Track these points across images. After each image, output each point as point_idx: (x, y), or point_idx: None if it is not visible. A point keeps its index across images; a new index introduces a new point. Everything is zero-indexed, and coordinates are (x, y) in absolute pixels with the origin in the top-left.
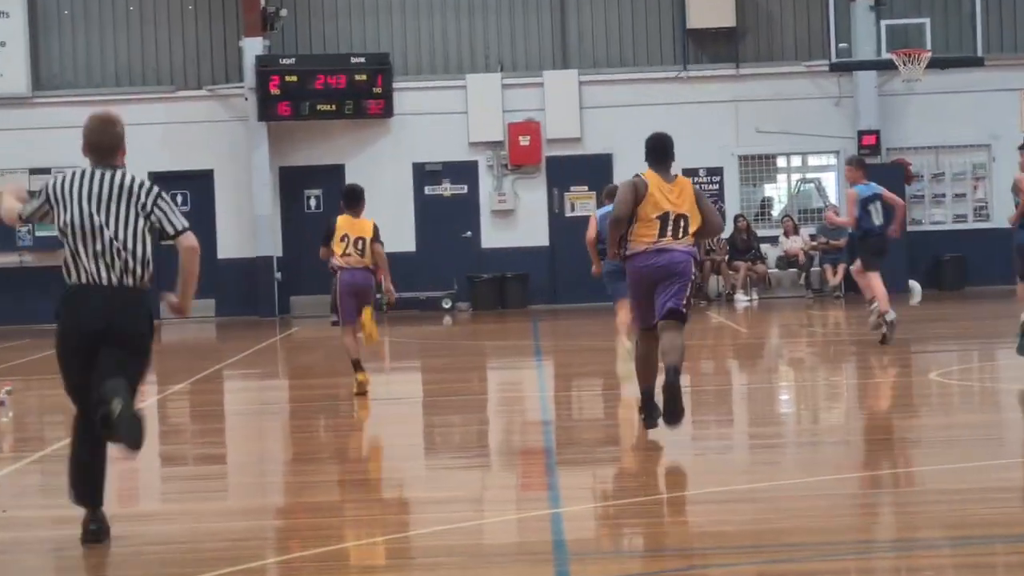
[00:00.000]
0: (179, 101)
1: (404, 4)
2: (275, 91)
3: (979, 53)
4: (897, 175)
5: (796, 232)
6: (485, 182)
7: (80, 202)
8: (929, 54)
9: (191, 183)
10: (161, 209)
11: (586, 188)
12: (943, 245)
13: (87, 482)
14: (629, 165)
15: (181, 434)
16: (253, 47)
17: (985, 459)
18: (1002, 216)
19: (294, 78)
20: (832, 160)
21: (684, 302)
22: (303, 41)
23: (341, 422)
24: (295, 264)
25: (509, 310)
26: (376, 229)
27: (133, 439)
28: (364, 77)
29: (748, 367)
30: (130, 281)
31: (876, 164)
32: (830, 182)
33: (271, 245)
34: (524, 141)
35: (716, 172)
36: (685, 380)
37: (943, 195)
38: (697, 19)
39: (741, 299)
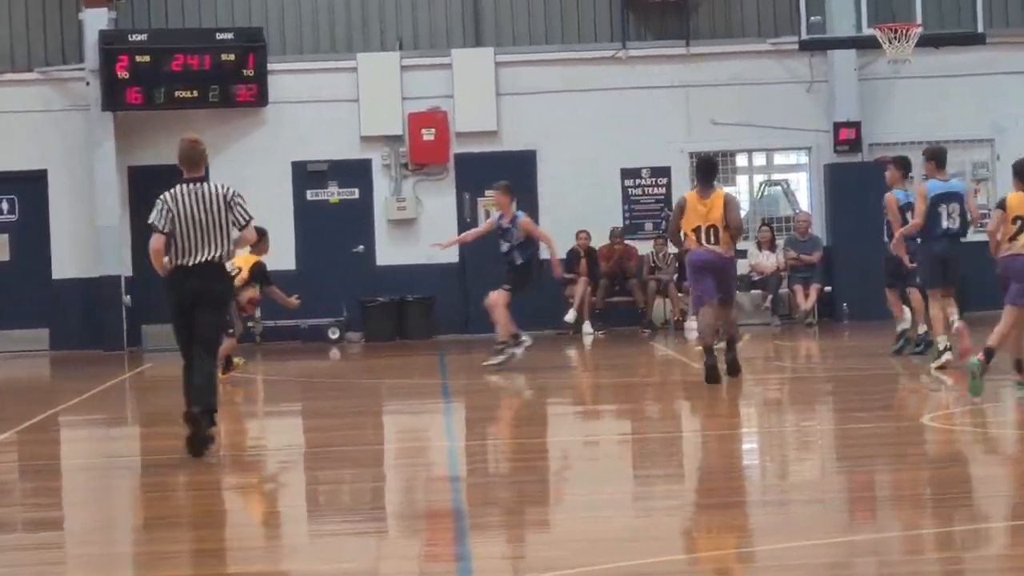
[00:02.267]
0: (4, 86)
1: None
2: (123, 74)
3: (980, 29)
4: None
5: (772, 246)
6: (380, 185)
7: None
8: (920, 29)
9: (19, 186)
10: None
11: None
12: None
13: None
14: (556, 164)
15: (7, 494)
16: (96, 20)
17: (993, 520)
18: None
19: (146, 58)
20: (803, 158)
21: None
22: (157, 13)
23: (205, 479)
24: (148, 286)
25: (410, 341)
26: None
27: None
28: (232, 57)
29: (702, 410)
30: None
31: (855, 163)
32: (801, 184)
33: (118, 263)
34: (428, 135)
35: (662, 173)
36: (627, 427)
37: None
38: None
39: (692, 327)
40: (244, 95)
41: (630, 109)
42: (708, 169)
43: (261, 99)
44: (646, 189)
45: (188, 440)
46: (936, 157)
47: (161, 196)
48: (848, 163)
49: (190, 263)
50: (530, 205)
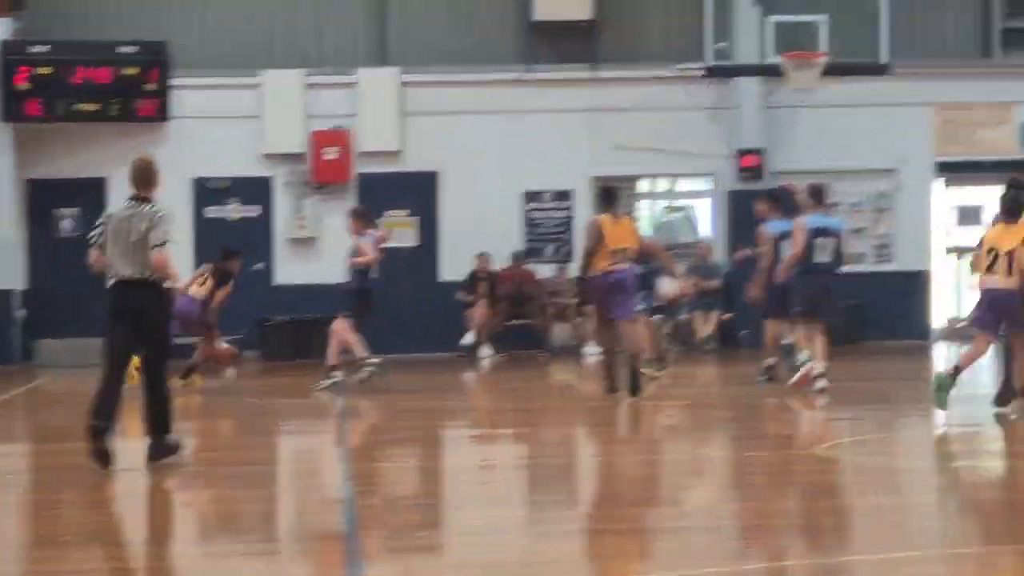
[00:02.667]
0: None
1: None
2: (23, 85)
3: (884, 59)
4: (785, 204)
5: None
6: (281, 203)
7: None
8: (825, 58)
9: None
10: None
11: (406, 213)
12: (838, 291)
13: None
14: (458, 186)
15: None
16: None
17: (884, 551)
18: (907, 256)
19: (47, 70)
20: (707, 184)
21: None
22: (60, 25)
23: (95, 497)
24: (45, 300)
25: (308, 361)
26: None
27: None
28: (135, 71)
29: (598, 435)
30: None
31: (758, 190)
32: (704, 210)
33: (13, 275)
34: (331, 154)
35: (565, 197)
36: (523, 451)
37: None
38: (545, 9)
39: (591, 352)
40: (146, 109)
41: (534, 132)
42: (612, 196)
43: (163, 114)
44: (548, 213)
45: (93, 452)
46: (816, 193)
47: (105, 212)
48: (751, 190)
49: (116, 279)
50: (431, 226)
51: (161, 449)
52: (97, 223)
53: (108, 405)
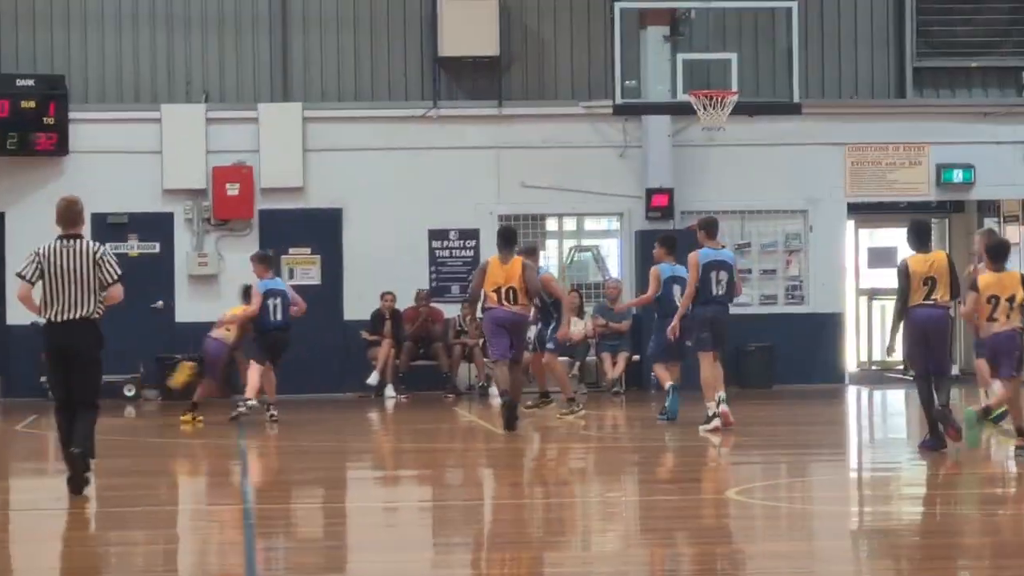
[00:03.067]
0: None
1: (85, 15)
2: None
3: (796, 98)
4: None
5: (580, 313)
6: (182, 239)
7: None
8: (735, 97)
9: None
10: None
11: (309, 251)
12: (748, 333)
13: None
14: (362, 223)
15: None
16: None
17: None
18: (820, 298)
19: None
20: (615, 224)
21: None
22: None
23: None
24: None
25: (208, 399)
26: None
27: None
28: (33, 104)
29: (505, 478)
30: None
31: (667, 230)
32: (612, 250)
33: None
34: (232, 190)
35: (471, 235)
36: (427, 494)
37: (749, 271)
38: (452, 46)
39: (496, 393)
40: (44, 143)
41: (440, 169)
42: (509, 236)
43: (61, 148)
44: (454, 251)
45: (69, 480)
46: (707, 227)
47: (34, 249)
48: (660, 230)
49: (59, 319)
50: (335, 264)
51: (79, 455)
52: (27, 260)
53: (76, 432)
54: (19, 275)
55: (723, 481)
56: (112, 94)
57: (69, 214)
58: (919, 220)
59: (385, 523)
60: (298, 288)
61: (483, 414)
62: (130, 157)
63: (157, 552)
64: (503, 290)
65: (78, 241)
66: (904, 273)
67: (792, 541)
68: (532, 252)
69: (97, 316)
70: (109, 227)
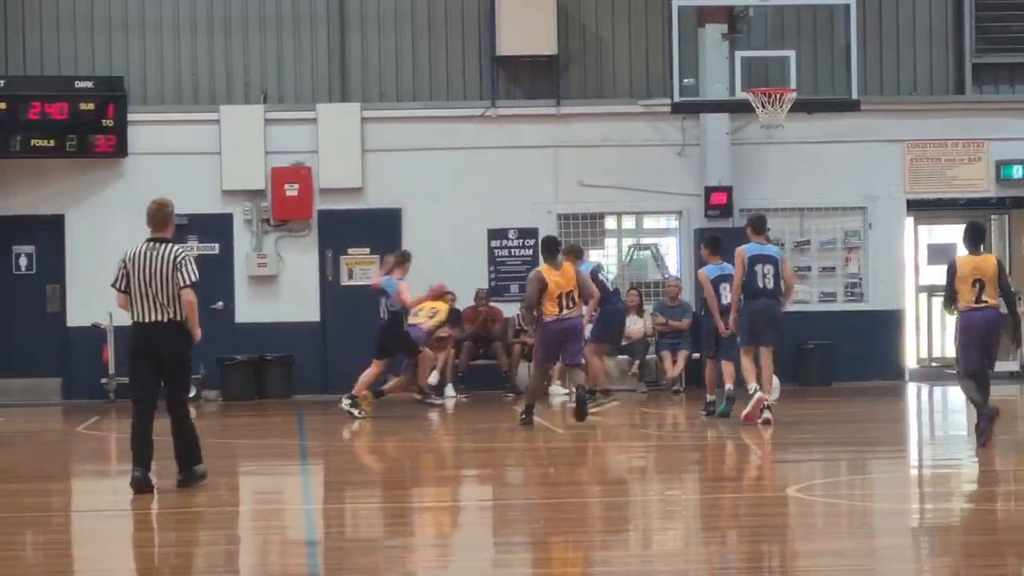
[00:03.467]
0: None
1: (143, 17)
2: None
3: (854, 95)
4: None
5: (640, 311)
6: (241, 240)
7: None
8: (794, 94)
9: None
10: None
11: (368, 251)
12: (807, 330)
13: None
14: (421, 223)
15: None
16: None
17: None
18: (879, 295)
19: (2, 105)
20: (673, 222)
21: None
22: (15, 58)
23: (47, 538)
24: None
25: (269, 400)
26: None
27: None
28: (92, 106)
29: (565, 477)
30: None
31: (728, 228)
32: (671, 248)
33: None
34: (291, 190)
35: (530, 234)
36: (488, 492)
37: (808, 268)
38: (510, 45)
39: (558, 392)
40: (103, 145)
41: (498, 168)
42: (552, 246)
43: (120, 150)
44: (512, 251)
45: (138, 484)
46: (754, 223)
47: (121, 255)
48: (719, 228)
49: (145, 320)
50: None
51: (190, 478)
52: (117, 268)
53: (144, 451)
54: (113, 286)
55: (783, 479)
56: (171, 96)
57: (158, 216)
58: (975, 222)
59: (447, 523)
60: (356, 288)
61: (542, 413)
62: (189, 158)
63: (219, 552)
64: (563, 296)
65: (163, 244)
66: (952, 272)
67: (852, 539)
68: (578, 253)
69: (182, 318)
70: None
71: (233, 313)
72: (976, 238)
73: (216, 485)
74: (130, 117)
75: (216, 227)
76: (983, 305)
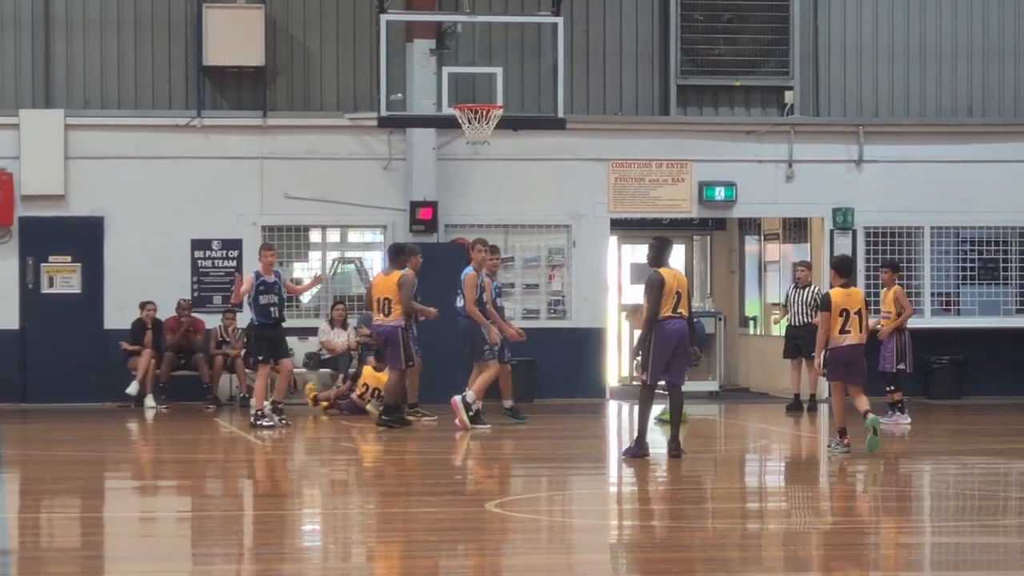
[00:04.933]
0: None
1: None
2: None
3: (560, 114)
4: (457, 258)
5: (344, 324)
6: None
7: None
8: (500, 111)
9: None
10: None
11: (69, 259)
12: (512, 346)
13: None
14: (124, 232)
15: None
16: None
17: None
18: (582, 313)
19: None
20: (378, 236)
21: None
22: None
23: None
24: None
25: None
26: None
27: None
28: None
29: (263, 489)
30: None
31: (431, 243)
32: (375, 262)
33: None
34: None
35: (233, 245)
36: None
37: (512, 285)
38: (216, 55)
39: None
40: None
41: (203, 179)
42: (398, 251)
43: None
44: (216, 261)
45: None
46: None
47: None
48: (424, 243)
49: None
50: (95, 273)
51: None
52: None
53: None
54: None
55: (484, 494)
56: None
57: None
58: (660, 237)
59: (143, 533)
60: (57, 297)
61: (243, 425)
62: None
63: None
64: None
65: None
66: (659, 285)
67: (550, 554)
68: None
69: None
70: None
71: None
72: (661, 253)
73: None
74: None
75: None
76: (678, 315)
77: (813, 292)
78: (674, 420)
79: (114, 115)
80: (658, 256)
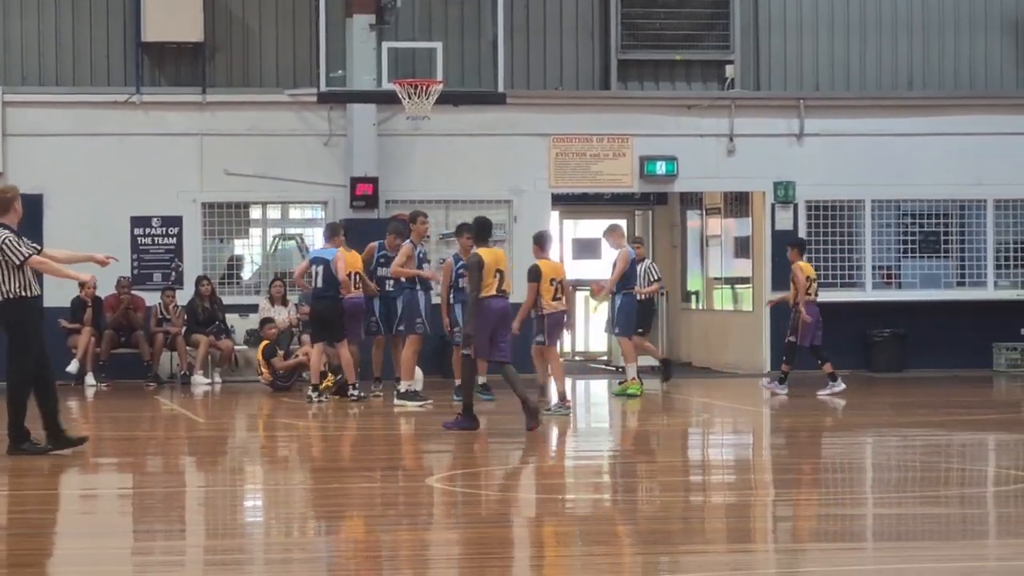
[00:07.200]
0: None
1: None
2: None
3: (500, 88)
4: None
5: (284, 301)
6: None
7: None
8: (440, 86)
9: None
10: None
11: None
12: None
13: None
14: (63, 209)
15: None
16: None
17: None
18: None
19: None
20: (319, 212)
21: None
22: None
23: None
24: None
25: None
26: None
27: None
28: None
29: (206, 466)
30: None
31: (372, 219)
32: (316, 239)
33: None
34: None
35: (174, 222)
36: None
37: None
38: (155, 31)
39: (200, 381)
40: None
41: (143, 156)
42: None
43: None
44: (156, 239)
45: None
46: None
47: None
48: (364, 219)
49: None
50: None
51: None
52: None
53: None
54: None
55: (425, 468)
56: None
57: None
58: (480, 217)
59: (84, 510)
60: None
61: (185, 402)
62: None
63: None
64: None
65: None
66: (479, 266)
67: (483, 528)
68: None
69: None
70: None
71: None
72: (483, 232)
73: None
74: None
75: None
76: (501, 294)
77: (647, 266)
78: (466, 391)
79: (52, 92)
80: (479, 236)
